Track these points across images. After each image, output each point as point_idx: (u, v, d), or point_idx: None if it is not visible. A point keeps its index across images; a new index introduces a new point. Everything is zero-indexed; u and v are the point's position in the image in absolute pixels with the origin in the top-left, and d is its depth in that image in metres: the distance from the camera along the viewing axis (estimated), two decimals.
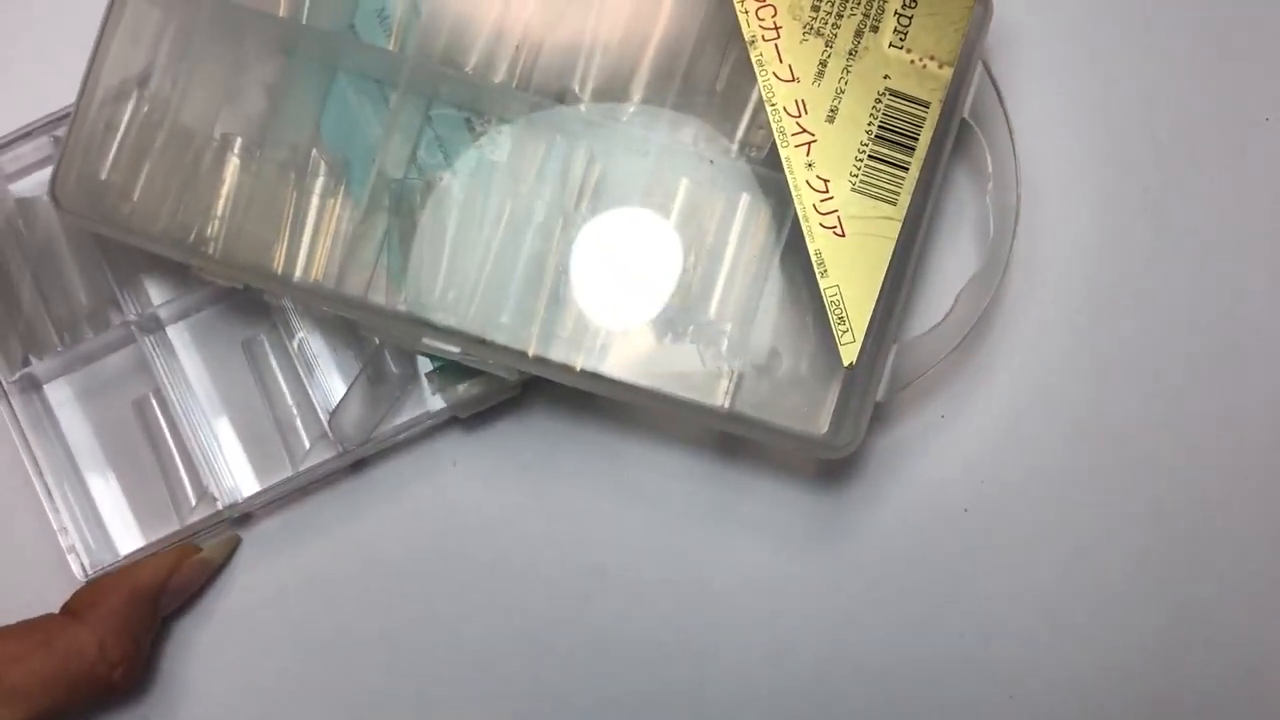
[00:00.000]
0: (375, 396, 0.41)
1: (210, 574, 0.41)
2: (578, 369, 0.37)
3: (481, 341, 0.37)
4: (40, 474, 0.40)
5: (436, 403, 0.40)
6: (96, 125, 0.38)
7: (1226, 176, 0.41)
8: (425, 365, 0.40)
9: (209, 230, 0.37)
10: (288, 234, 0.38)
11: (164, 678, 0.41)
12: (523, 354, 0.37)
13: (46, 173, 0.41)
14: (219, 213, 0.37)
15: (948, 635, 0.40)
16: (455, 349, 0.37)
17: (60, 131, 0.40)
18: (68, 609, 0.38)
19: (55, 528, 0.40)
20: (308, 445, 0.41)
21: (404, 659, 0.41)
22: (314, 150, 0.38)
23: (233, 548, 0.41)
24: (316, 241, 0.38)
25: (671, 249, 0.37)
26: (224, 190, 0.37)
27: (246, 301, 0.41)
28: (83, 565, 0.40)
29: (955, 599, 0.40)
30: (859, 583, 0.41)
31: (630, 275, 0.37)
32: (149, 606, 0.39)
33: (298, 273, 0.37)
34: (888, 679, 0.40)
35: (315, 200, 0.38)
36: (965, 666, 0.40)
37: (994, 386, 0.41)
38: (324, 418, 0.40)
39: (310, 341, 0.41)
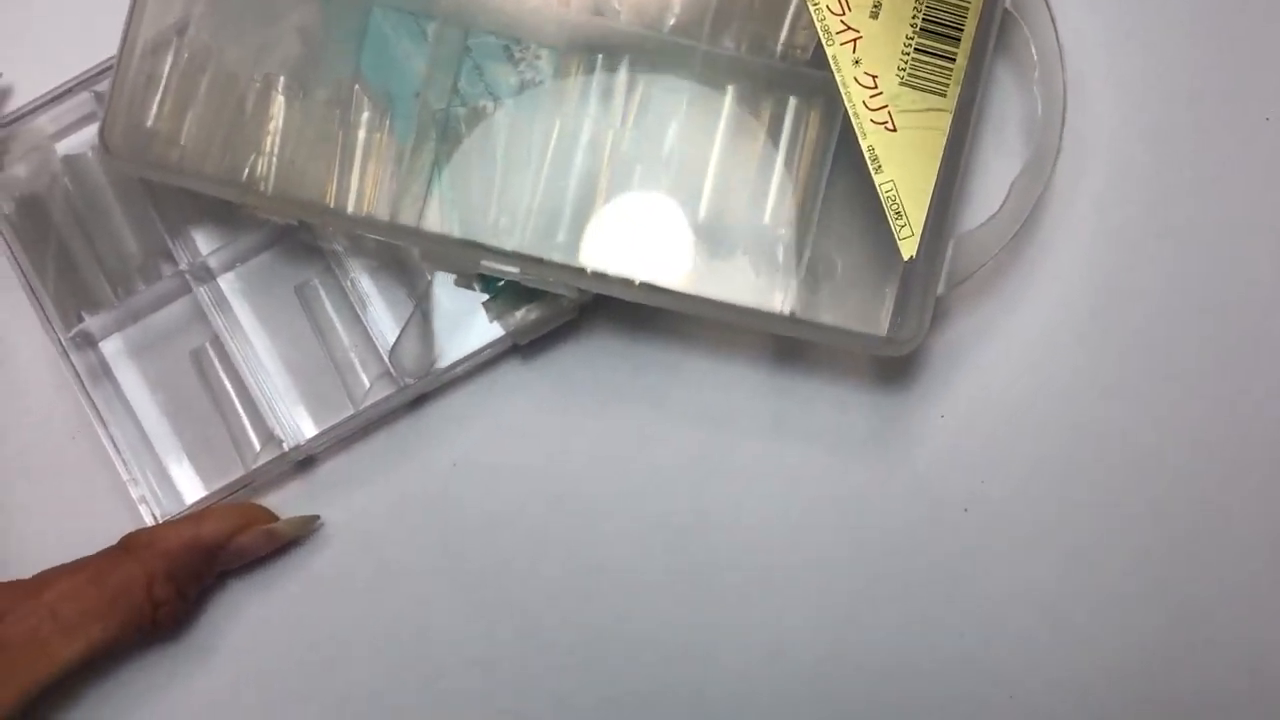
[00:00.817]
0: (431, 331, 0.41)
1: (278, 545, 0.41)
2: (637, 283, 0.37)
3: (539, 261, 0.37)
4: (105, 427, 0.40)
5: (495, 331, 0.40)
6: (139, 78, 0.38)
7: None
8: (481, 296, 0.40)
9: (260, 168, 0.37)
10: (338, 167, 0.38)
11: (211, 618, 0.41)
12: (581, 271, 0.37)
13: (90, 130, 0.42)
14: (268, 149, 0.37)
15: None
16: (514, 269, 0.37)
17: (100, 87, 0.40)
18: (126, 545, 0.39)
19: (125, 479, 0.40)
20: (367, 384, 0.41)
21: (473, 590, 0.41)
22: (356, 86, 0.38)
23: (309, 527, 0.41)
24: (366, 174, 0.38)
25: (722, 157, 0.37)
26: (272, 127, 0.38)
27: (296, 246, 0.42)
28: (154, 515, 0.40)
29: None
30: (924, 481, 0.41)
31: (683, 187, 0.37)
32: (204, 558, 0.39)
33: (350, 206, 0.37)
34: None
35: (362, 134, 0.38)
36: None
37: (1047, 281, 0.41)
38: (383, 354, 0.40)
39: (362, 282, 0.41)
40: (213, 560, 0.39)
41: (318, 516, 0.41)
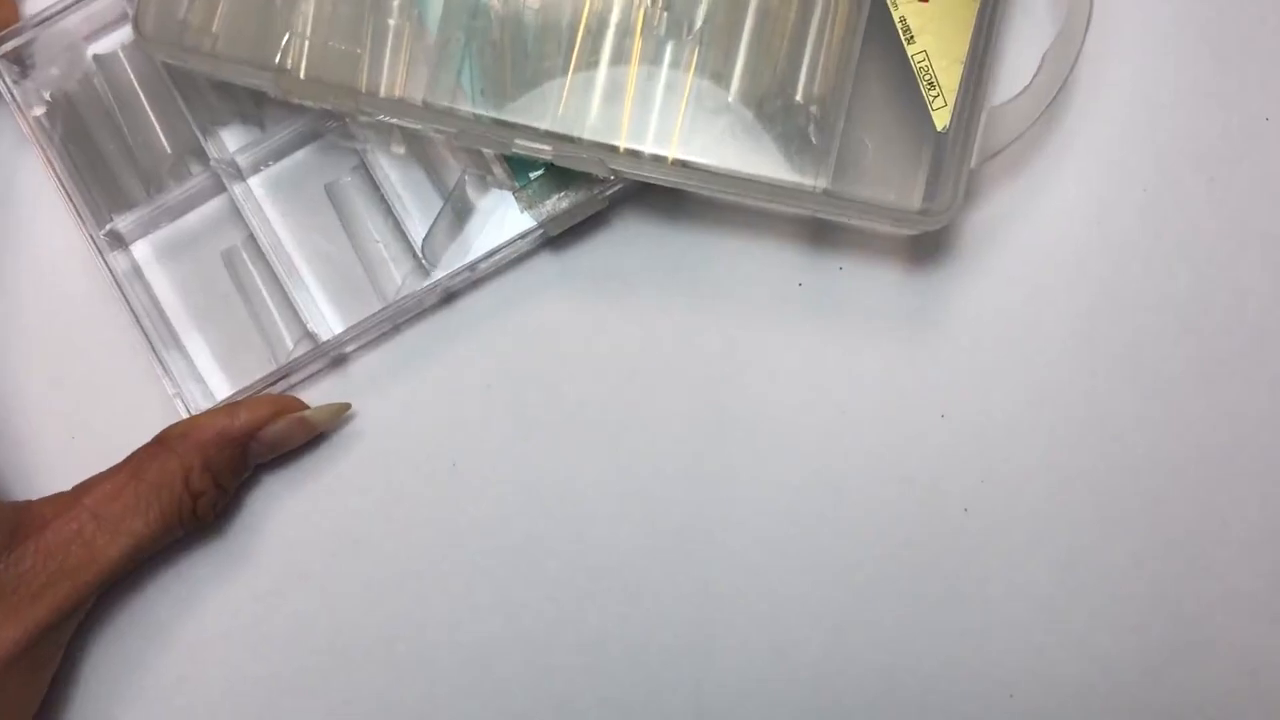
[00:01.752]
0: (462, 224, 0.41)
1: (310, 435, 0.41)
2: (670, 160, 0.37)
3: (572, 139, 0.37)
4: (139, 325, 0.40)
5: (525, 224, 0.40)
6: None
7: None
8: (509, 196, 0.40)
9: (292, 52, 0.37)
10: (370, 52, 0.38)
11: (250, 515, 0.41)
12: (614, 149, 0.37)
13: (120, 32, 0.42)
14: (301, 31, 0.37)
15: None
16: (547, 147, 0.37)
17: None
18: (161, 439, 0.39)
19: (158, 374, 0.40)
20: (399, 280, 0.41)
21: (507, 483, 0.41)
22: None
23: (340, 415, 0.41)
24: (399, 58, 0.38)
25: (754, 34, 0.37)
26: (304, 11, 0.38)
27: (326, 146, 0.42)
28: (188, 412, 0.40)
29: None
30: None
31: (714, 65, 0.37)
32: (238, 448, 0.39)
33: (383, 89, 0.37)
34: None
35: (393, 20, 0.38)
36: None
37: (1080, 156, 0.41)
38: (415, 249, 0.40)
39: (393, 179, 0.41)
40: (247, 450, 0.39)
41: (349, 405, 0.41)
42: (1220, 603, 0.40)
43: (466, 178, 0.41)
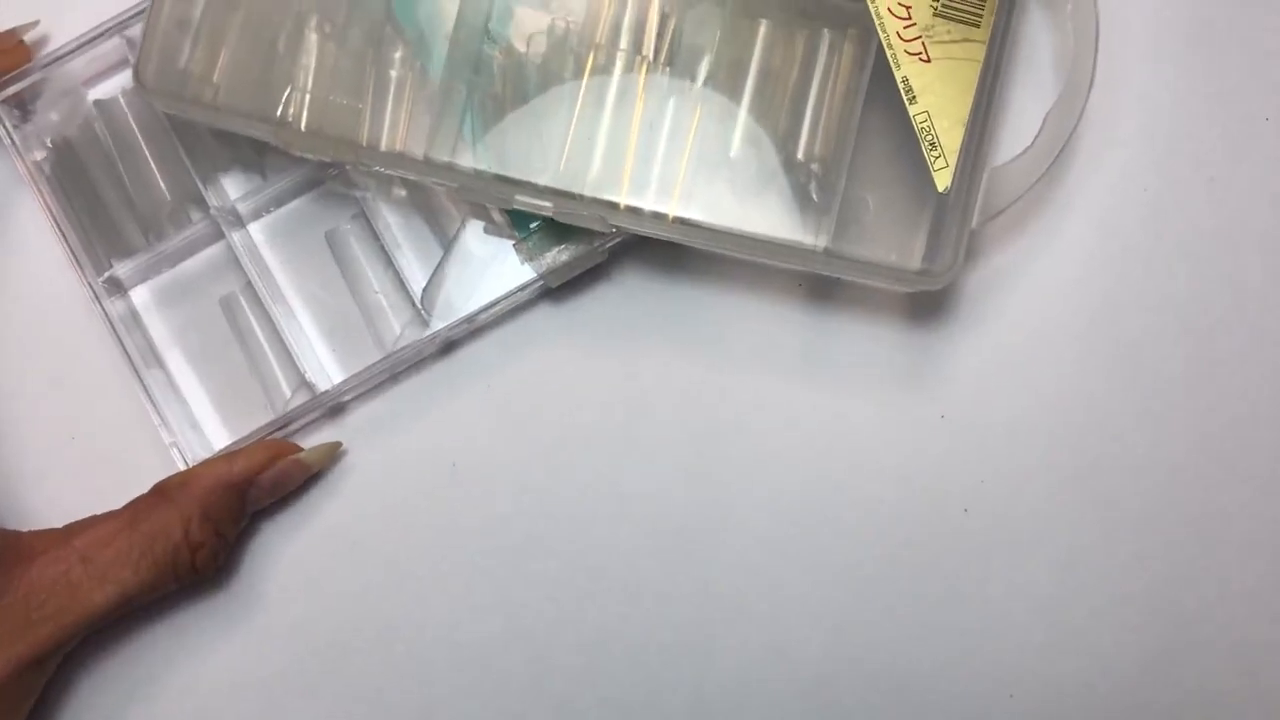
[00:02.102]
0: (462, 275, 0.41)
1: (306, 476, 0.41)
2: (670, 217, 0.37)
3: (573, 196, 0.37)
4: (136, 374, 0.40)
5: (525, 275, 0.40)
6: (171, 19, 0.38)
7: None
8: (511, 243, 0.40)
9: (294, 104, 0.37)
10: (371, 105, 0.38)
11: (250, 566, 0.41)
12: (614, 205, 0.37)
13: (122, 76, 0.42)
14: (302, 85, 0.37)
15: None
16: (548, 203, 0.37)
17: (132, 32, 0.40)
18: (159, 489, 0.39)
19: (155, 423, 0.40)
20: (398, 329, 0.41)
21: (502, 531, 0.41)
22: (388, 27, 0.38)
23: (333, 454, 0.41)
24: (400, 111, 0.38)
25: (756, 92, 0.37)
26: (305, 64, 0.37)
27: (326, 194, 0.42)
28: (185, 461, 0.40)
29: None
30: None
31: (716, 122, 0.37)
32: (236, 497, 0.39)
33: (384, 143, 0.37)
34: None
35: (395, 73, 0.38)
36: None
37: (1081, 217, 0.41)
38: (414, 299, 0.40)
39: (393, 228, 0.41)
40: (245, 498, 0.39)
41: (340, 443, 0.41)
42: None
43: (466, 227, 0.41)
